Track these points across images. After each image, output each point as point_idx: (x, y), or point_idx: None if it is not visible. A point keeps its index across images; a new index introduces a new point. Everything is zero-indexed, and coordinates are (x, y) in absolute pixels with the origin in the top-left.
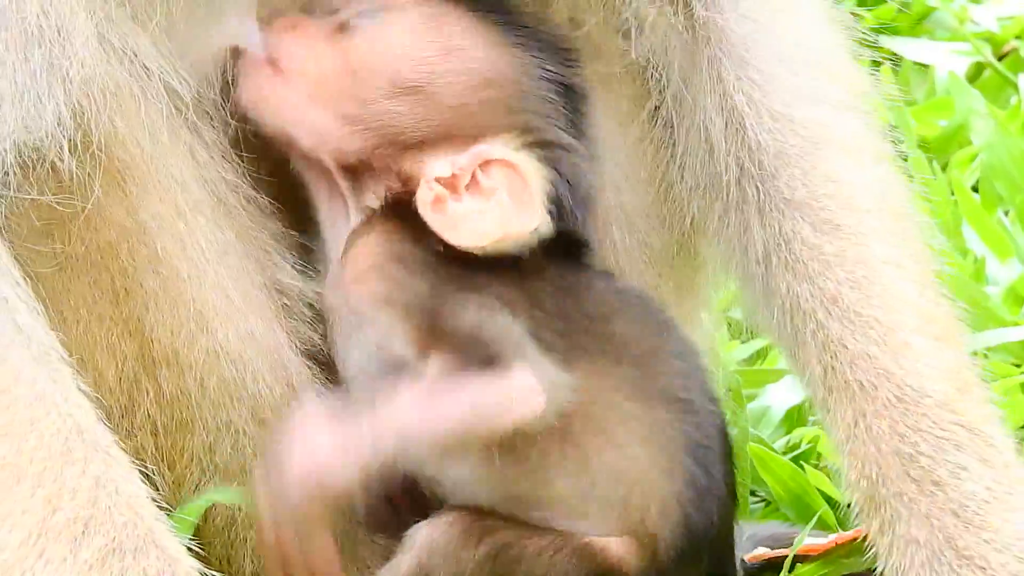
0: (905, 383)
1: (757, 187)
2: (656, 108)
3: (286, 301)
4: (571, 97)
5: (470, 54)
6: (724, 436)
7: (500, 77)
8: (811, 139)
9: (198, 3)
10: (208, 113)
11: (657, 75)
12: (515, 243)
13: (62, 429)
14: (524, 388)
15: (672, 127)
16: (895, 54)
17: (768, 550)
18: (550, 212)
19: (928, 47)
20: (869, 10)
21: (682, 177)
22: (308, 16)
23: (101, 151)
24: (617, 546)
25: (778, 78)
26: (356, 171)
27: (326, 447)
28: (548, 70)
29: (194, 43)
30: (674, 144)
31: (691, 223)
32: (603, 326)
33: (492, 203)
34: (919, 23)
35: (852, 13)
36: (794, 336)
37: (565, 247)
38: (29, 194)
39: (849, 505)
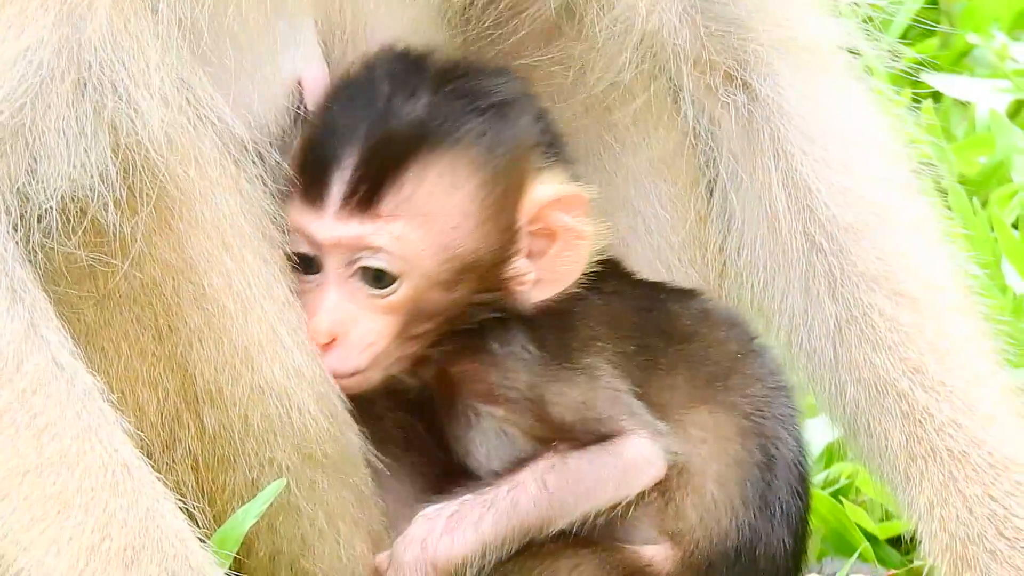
0: (997, 451)
1: (829, 261)
2: (711, 183)
3: None
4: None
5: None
6: (794, 470)
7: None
8: (881, 215)
9: (256, 40)
10: (255, 148)
11: (712, 151)
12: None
13: (109, 463)
14: (641, 458)
15: (728, 203)
16: (935, 91)
17: None
18: None
19: (968, 84)
20: (910, 46)
21: (739, 252)
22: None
23: (151, 190)
24: (650, 551)
25: (843, 156)
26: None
27: (443, 531)
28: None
29: (245, 79)
30: (730, 220)
31: (750, 301)
32: (679, 344)
33: (563, 238)
34: (959, 60)
35: (892, 50)
36: (869, 407)
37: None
38: (74, 237)
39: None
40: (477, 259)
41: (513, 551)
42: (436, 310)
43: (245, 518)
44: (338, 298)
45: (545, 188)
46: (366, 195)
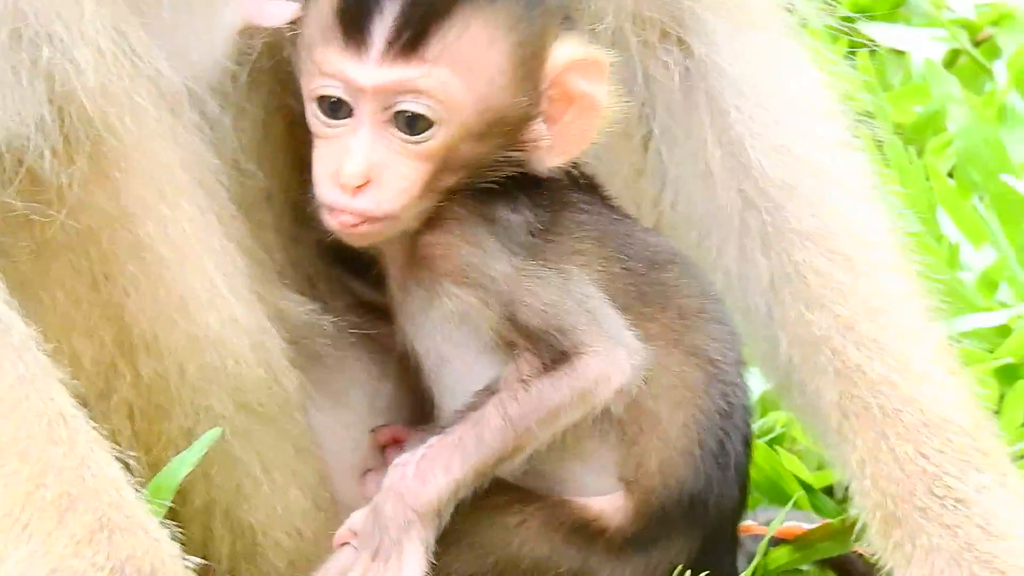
0: (929, 409)
1: (763, 218)
2: (646, 138)
3: (270, 282)
4: None
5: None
6: (747, 418)
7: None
8: (815, 173)
9: None
10: (192, 98)
11: (647, 106)
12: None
13: (44, 412)
14: (601, 376)
15: (663, 158)
16: (871, 40)
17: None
18: None
19: (904, 33)
20: None
21: (674, 207)
22: None
23: (87, 139)
24: (599, 502)
25: (778, 113)
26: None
27: (415, 475)
28: None
29: (184, 28)
30: (664, 175)
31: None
32: (658, 272)
33: (579, 104)
34: (895, 9)
35: (828, 0)
36: (802, 364)
37: (600, 191)
38: (10, 187)
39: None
40: (506, 115)
41: (486, 483)
42: (465, 161)
43: (180, 467)
44: (373, 142)
45: (565, 51)
46: (412, 38)
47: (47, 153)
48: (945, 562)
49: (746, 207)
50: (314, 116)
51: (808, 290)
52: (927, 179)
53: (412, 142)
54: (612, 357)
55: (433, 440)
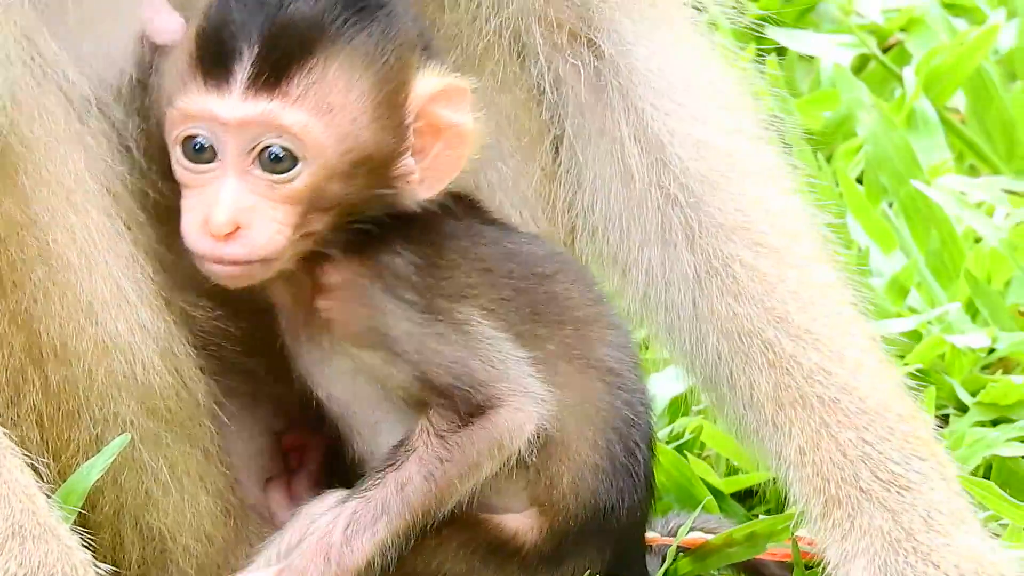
0: (868, 397)
1: (685, 212)
2: (557, 140)
3: (178, 288)
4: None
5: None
6: (649, 420)
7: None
8: (735, 166)
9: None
10: (99, 105)
11: (558, 107)
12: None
13: None
14: (515, 426)
15: (576, 159)
16: (780, 45)
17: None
18: None
19: (813, 39)
20: (754, 1)
21: (592, 208)
22: None
23: None
24: (515, 521)
25: (694, 108)
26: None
27: (342, 542)
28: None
29: (89, 36)
30: (579, 175)
31: (604, 255)
32: (548, 285)
33: (446, 135)
34: (804, 15)
35: (736, 3)
36: (732, 357)
37: (478, 210)
38: None
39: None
40: (372, 153)
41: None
42: (333, 202)
43: (89, 473)
44: (239, 186)
45: (428, 83)
46: (274, 74)
47: None
48: (882, 544)
49: (667, 203)
50: (178, 164)
51: (736, 283)
52: (836, 184)
53: (278, 183)
54: (522, 407)
55: (356, 503)
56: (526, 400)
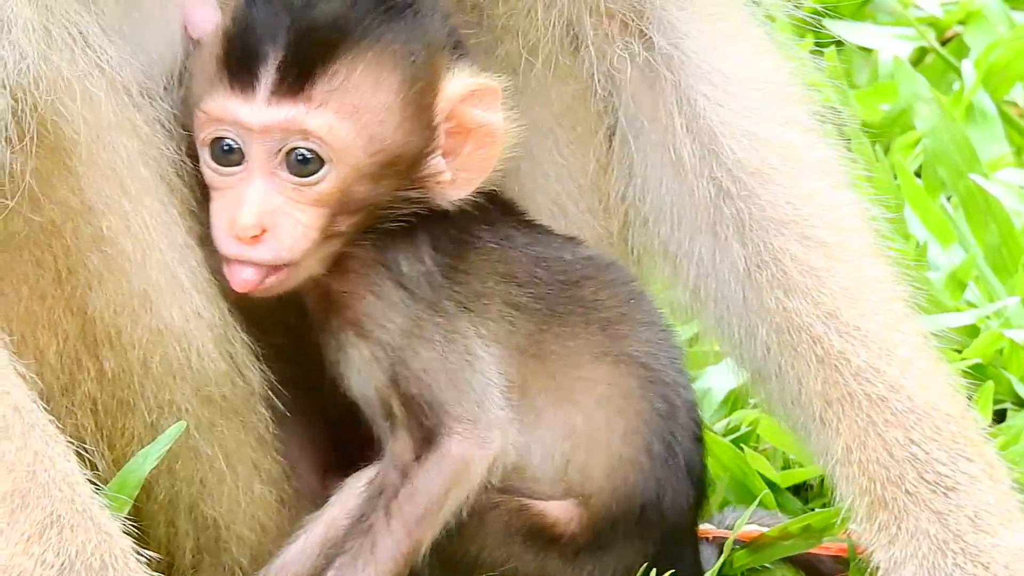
0: (916, 396)
1: (736, 205)
2: (611, 131)
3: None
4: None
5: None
6: (692, 414)
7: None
8: (787, 158)
9: None
10: (150, 93)
11: (612, 98)
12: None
13: None
14: (462, 459)
15: (629, 150)
16: (838, 38)
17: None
18: None
19: (872, 31)
20: None
21: (644, 199)
22: None
23: (47, 133)
24: (556, 509)
25: (747, 100)
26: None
27: None
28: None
29: (141, 24)
30: (631, 166)
31: (656, 247)
32: (573, 290)
33: (476, 135)
34: (862, 7)
35: None
36: (781, 352)
37: (512, 212)
38: None
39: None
40: (400, 154)
41: None
42: (361, 204)
43: (144, 461)
44: (266, 189)
45: (457, 83)
46: (298, 78)
47: (5, 148)
48: (929, 547)
49: (719, 194)
50: (207, 166)
51: (786, 277)
52: (894, 178)
53: (304, 185)
54: (475, 436)
55: (336, 566)
56: (481, 430)
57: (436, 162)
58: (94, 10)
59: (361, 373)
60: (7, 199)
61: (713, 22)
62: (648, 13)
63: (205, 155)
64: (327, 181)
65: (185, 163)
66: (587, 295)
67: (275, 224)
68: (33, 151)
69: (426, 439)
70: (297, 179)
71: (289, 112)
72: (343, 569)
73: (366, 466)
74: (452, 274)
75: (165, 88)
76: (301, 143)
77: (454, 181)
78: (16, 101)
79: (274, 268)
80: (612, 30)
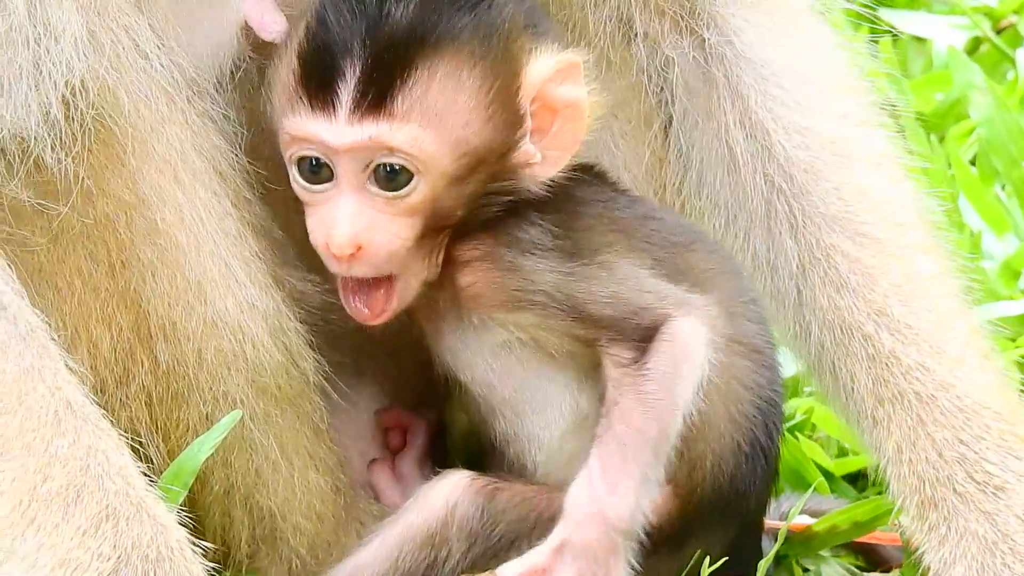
0: (966, 395)
1: (789, 202)
2: (666, 124)
3: (287, 264)
4: None
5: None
6: (783, 401)
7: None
8: (840, 153)
9: None
10: (202, 86)
11: (665, 92)
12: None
13: (51, 403)
14: (691, 335)
15: (684, 143)
16: (893, 27)
17: None
18: None
19: (926, 21)
20: None
21: (700, 192)
22: None
23: (100, 128)
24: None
25: (799, 95)
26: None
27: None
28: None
29: (191, 23)
30: (687, 160)
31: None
32: (686, 255)
33: (563, 112)
34: None
35: None
36: (834, 349)
37: (608, 181)
38: (25, 177)
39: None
40: (489, 152)
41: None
42: (453, 207)
43: (199, 451)
44: (358, 205)
45: (540, 65)
46: (377, 96)
47: (58, 144)
48: (979, 548)
49: (772, 191)
50: (296, 182)
51: (838, 274)
52: (949, 167)
53: (394, 198)
54: (691, 312)
55: (594, 461)
56: (689, 306)
57: (527, 148)
58: (151, 10)
59: (517, 354)
60: (61, 199)
61: (766, 15)
62: (699, 9)
63: (294, 172)
64: (417, 192)
65: (238, 156)
66: (699, 260)
67: (371, 239)
68: (87, 149)
69: (646, 337)
70: (387, 193)
71: (372, 130)
72: (604, 462)
73: (437, 472)
74: (571, 233)
75: (217, 80)
76: (388, 159)
77: (543, 161)
78: (67, 105)
79: (378, 282)
80: (663, 27)
